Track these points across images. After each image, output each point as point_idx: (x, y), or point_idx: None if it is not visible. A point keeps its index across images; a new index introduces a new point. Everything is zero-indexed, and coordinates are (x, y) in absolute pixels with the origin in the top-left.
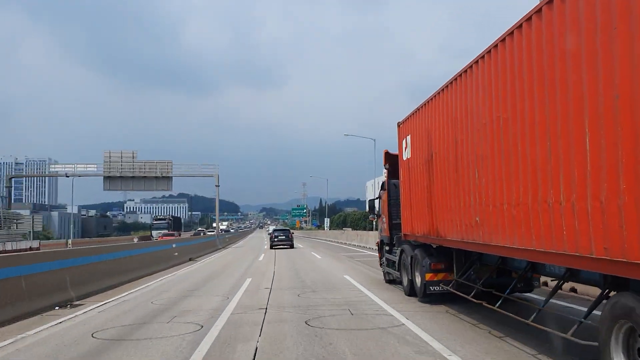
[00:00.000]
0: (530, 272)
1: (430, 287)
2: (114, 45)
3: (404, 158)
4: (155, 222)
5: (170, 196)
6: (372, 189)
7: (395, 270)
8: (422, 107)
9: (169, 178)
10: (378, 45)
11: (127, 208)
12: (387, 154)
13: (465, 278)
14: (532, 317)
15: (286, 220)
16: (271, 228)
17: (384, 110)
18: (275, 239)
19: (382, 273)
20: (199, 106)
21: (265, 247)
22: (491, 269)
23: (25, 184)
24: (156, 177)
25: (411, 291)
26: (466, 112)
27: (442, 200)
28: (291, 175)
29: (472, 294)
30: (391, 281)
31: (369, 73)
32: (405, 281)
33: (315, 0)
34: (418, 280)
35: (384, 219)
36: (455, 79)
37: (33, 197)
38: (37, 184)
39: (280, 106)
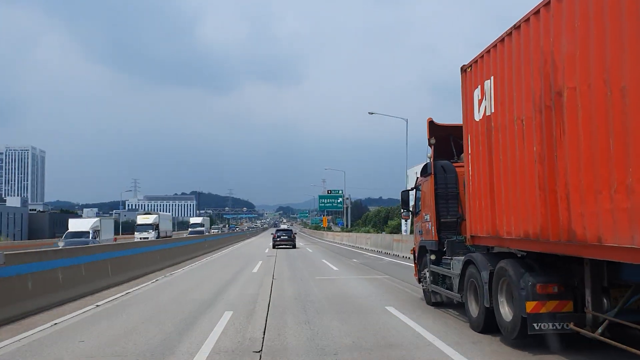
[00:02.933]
0: None
1: (535, 325)
2: (128, 40)
3: (477, 118)
4: None
5: (183, 194)
6: (413, 179)
7: (450, 290)
8: (526, 20)
9: None
10: (399, 39)
11: (128, 206)
12: (431, 123)
13: (618, 313)
14: None
15: (305, 219)
16: (282, 227)
17: (405, 105)
18: (278, 239)
19: (421, 291)
20: (214, 103)
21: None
22: None
23: (5, 178)
24: None
25: (487, 325)
26: None
27: (591, 175)
28: (309, 174)
29: None
30: (438, 303)
31: (390, 68)
32: (474, 309)
33: None
34: (508, 310)
35: (428, 217)
36: None
37: (14, 192)
38: (19, 178)
39: (298, 104)
